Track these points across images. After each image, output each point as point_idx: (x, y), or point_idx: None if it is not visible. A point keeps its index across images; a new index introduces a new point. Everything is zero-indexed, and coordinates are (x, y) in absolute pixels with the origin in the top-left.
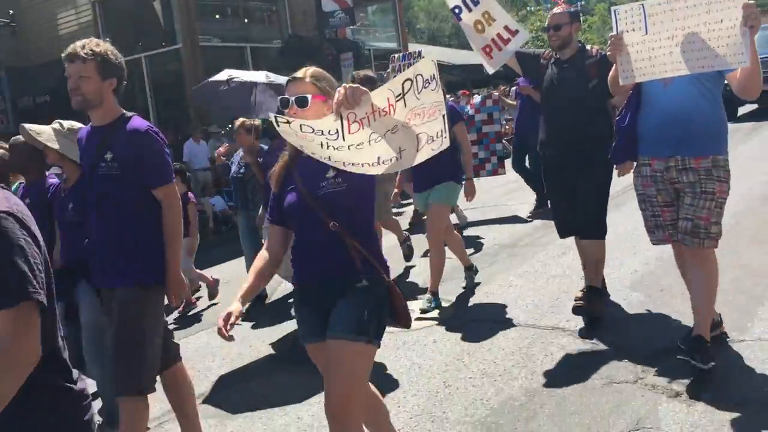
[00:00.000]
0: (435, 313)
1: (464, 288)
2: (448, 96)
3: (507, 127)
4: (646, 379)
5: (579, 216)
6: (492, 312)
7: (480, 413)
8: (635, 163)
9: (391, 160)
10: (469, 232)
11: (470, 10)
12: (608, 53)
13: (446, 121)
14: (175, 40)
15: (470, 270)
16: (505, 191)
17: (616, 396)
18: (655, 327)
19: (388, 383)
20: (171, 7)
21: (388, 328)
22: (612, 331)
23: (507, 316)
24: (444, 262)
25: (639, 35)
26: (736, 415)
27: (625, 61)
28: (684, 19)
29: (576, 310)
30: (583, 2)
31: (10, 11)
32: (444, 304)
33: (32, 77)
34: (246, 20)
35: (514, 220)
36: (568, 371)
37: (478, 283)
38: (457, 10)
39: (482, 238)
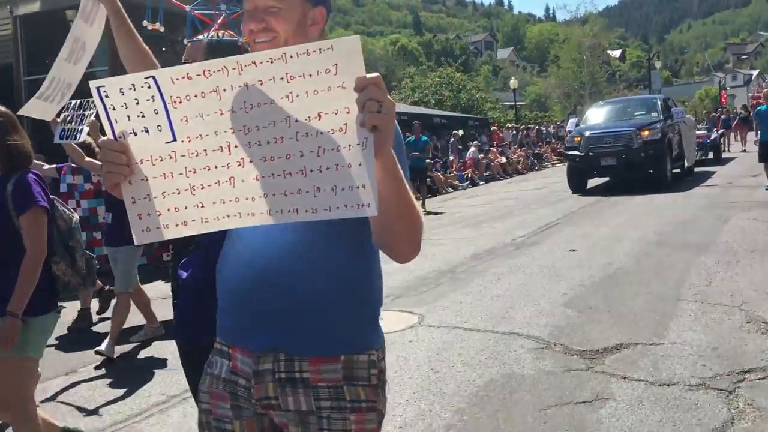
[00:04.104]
0: (406, 319)
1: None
2: None
3: None
4: (596, 367)
5: None
6: (452, 321)
7: (470, 389)
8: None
9: None
10: None
11: None
12: (102, 180)
13: None
14: (99, 61)
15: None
16: (427, 227)
17: (575, 378)
18: (593, 333)
19: None
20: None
21: None
22: (558, 336)
23: (466, 324)
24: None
25: (160, 143)
26: (668, 389)
27: (141, 197)
28: (245, 112)
29: None
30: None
31: None
32: (408, 315)
33: None
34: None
35: (445, 251)
36: (532, 362)
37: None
38: None
39: (419, 266)
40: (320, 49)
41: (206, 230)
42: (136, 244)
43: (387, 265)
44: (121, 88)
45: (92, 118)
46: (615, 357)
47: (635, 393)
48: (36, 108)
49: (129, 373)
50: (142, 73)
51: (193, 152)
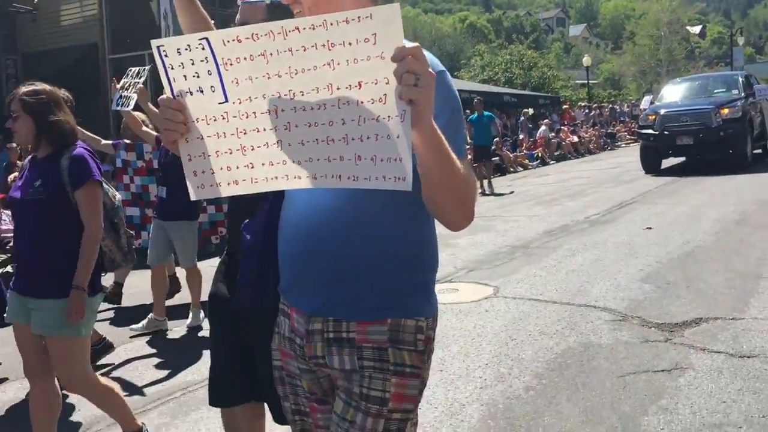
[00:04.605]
0: (481, 291)
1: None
2: None
3: None
4: (674, 339)
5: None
6: (527, 293)
7: (548, 356)
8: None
9: None
10: (474, 236)
11: None
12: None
13: None
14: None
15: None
16: (498, 205)
17: (653, 349)
18: (671, 307)
19: (462, 337)
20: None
21: (442, 301)
22: (636, 309)
23: (542, 296)
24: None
25: (213, 103)
26: (749, 361)
27: (196, 155)
28: (290, 77)
29: None
30: None
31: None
32: (483, 287)
33: (38, 64)
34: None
35: (517, 228)
36: (610, 333)
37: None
38: None
39: (492, 241)
40: (359, 17)
41: (256, 190)
42: (192, 198)
43: (460, 239)
44: (178, 48)
45: (140, 85)
46: (694, 330)
47: (715, 364)
48: None
49: (173, 349)
50: (197, 34)
51: (243, 114)
